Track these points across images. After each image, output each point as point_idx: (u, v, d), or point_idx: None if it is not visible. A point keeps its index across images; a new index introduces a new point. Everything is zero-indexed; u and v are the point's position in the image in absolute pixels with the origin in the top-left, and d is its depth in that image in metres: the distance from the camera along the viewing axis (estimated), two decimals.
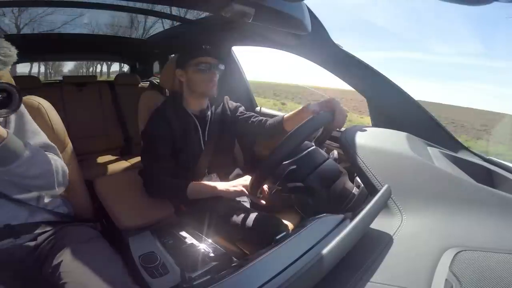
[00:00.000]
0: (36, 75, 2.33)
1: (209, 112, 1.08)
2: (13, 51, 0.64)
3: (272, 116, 1.58)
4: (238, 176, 1.03)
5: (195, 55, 0.98)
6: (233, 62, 1.62)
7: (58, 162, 0.75)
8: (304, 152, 0.79)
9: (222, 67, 1.01)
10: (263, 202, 0.85)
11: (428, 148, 0.75)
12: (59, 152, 0.81)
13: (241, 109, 1.16)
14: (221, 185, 0.91)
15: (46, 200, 0.79)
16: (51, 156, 0.74)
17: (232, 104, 1.16)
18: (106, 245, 0.73)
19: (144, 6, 1.42)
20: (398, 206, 0.52)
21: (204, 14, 1.36)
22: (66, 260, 0.64)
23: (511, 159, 0.79)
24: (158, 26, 1.88)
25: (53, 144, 0.80)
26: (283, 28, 0.91)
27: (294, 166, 0.76)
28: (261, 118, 1.10)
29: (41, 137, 0.77)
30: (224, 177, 1.10)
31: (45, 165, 0.70)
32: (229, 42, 1.52)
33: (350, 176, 0.76)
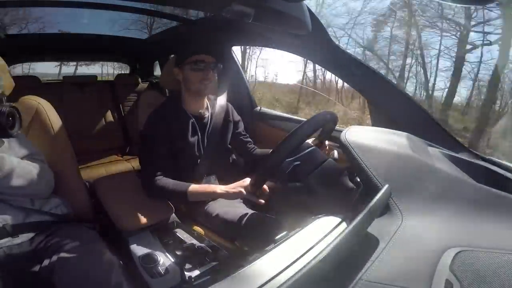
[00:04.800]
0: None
1: (208, 114, 1.08)
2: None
3: (273, 115, 1.59)
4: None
5: (191, 53, 0.97)
6: (233, 62, 1.62)
7: (41, 169, 0.77)
8: (304, 152, 0.79)
9: (219, 65, 1.00)
10: (262, 201, 0.85)
11: (428, 148, 0.75)
12: (44, 158, 0.82)
13: (242, 127, 1.19)
14: (220, 188, 0.91)
15: (42, 202, 0.79)
16: (33, 164, 0.75)
17: (236, 115, 1.18)
18: (103, 246, 0.73)
19: (144, 6, 1.42)
20: (398, 206, 0.51)
21: (204, 14, 1.37)
22: (61, 261, 0.64)
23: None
24: (158, 26, 1.88)
25: (38, 150, 0.81)
26: (283, 28, 0.91)
27: (299, 162, 0.76)
28: (252, 146, 1.18)
29: (26, 146, 0.78)
30: (223, 179, 1.10)
31: (28, 176, 0.72)
32: (229, 42, 1.52)
33: (350, 176, 0.76)
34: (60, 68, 4.25)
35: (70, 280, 0.61)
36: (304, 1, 0.83)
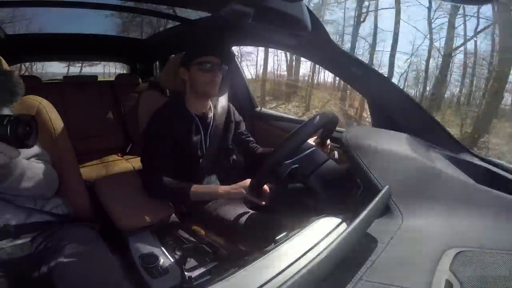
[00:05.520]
0: None
1: (211, 114, 1.08)
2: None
3: (273, 116, 1.59)
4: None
5: (198, 54, 0.98)
6: (233, 62, 1.61)
7: (48, 169, 0.77)
8: (305, 153, 0.79)
9: (225, 67, 1.01)
10: (263, 202, 0.85)
11: (429, 148, 0.75)
12: (49, 158, 0.82)
13: (243, 127, 1.19)
14: (222, 189, 0.91)
15: (43, 201, 0.79)
16: (40, 165, 0.75)
17: (237, 115, 1.18)
18: (104, 246, 0.73)
19: (144, 6, 1.42)
20: (398, 207, 0.52)
21: (204, 14, 1.36)
22: (62, 261, 0.63)
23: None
24: (158, 26, 1.88)
25: (44, 151, 0.81)
26: (283, 28, 0.91)
27: (297, 165, 0.76)
28: (255, 145, 1.18)
29: (33, 147, 0.78)
30: (224, 179, 1.10)
31: (37, 177, 0.72)
32: (229, 42, 1.52)
33: (350, 177, 0.76)
34: (68, 69, 4.46)
35: (70, 281, 0.60)
36: (303, 1, 0.83)
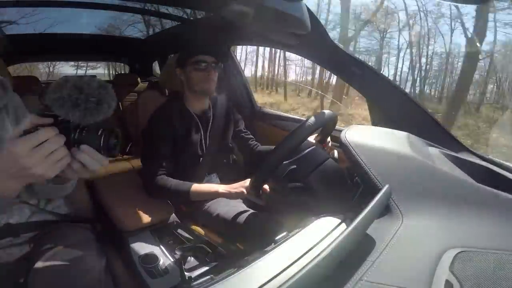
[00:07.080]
0: None
1: (210, 113, 1.08)
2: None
3: (273, 115, 1.59)
4: None
5: (193, 54, 0.98)
6: (232, 61, 1.61)
7: None
8: (304, 152, 0.79)
9: (220, 65, 1.01)
10: (263, 201, 0.85)
11: (429, 148, 0.75)
12: None
13: (242, 125, 1.19)
14: (222, 188, 0.91)
15: (46, 200, 0.79)
16: None
17: (236, 114, 1.18)
18: (91, 248, 0.71)
19: (144, 6, 1.42)
20: (398, 206, 0.51)
21: (204, 14, 1.36)
22: (50, 262, 0.63)
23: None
24: (158, 26, 1.88)
25: None
26: (282, 28, 0.91)
27: (294, 166, 0.76)
28: (254, 143, 1.17)
29: None
30: (224, 178, 1.10)
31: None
32: (229, 41, 1.52)
33: (350, 176, 0.76)
34: (77, 71, 4.71)
35: (53, 281, 0.60)
36: (303, 1, 0.83)
